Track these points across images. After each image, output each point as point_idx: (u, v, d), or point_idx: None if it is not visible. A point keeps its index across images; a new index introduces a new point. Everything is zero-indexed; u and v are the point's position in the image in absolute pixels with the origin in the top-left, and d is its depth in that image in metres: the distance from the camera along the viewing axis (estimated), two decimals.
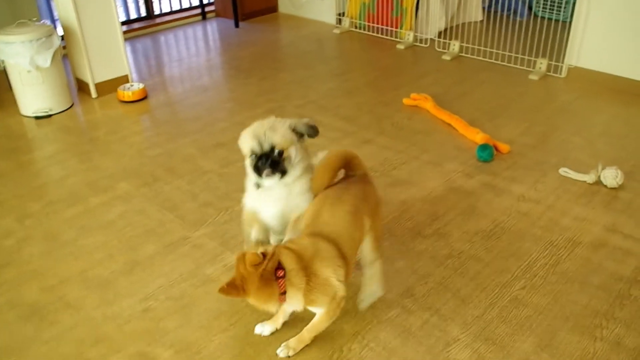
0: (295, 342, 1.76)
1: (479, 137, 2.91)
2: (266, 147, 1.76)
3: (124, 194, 2.61)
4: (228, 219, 2.41)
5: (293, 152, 1.80)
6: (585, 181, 2.59)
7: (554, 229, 2.31)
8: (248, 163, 1.83)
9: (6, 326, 1.91)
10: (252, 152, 1.78)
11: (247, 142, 1.79)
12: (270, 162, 1.76)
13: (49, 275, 2.13)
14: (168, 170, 2.80)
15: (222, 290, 1.57)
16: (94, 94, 3.65)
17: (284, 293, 1.59)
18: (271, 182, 1.81)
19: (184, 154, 2.96)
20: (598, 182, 2.58)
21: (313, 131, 1.85)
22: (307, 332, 1.76)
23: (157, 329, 1.87)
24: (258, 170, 1.78)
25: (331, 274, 1.63)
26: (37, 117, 3.35)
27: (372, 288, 1.93)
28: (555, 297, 1.96)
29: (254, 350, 1.77)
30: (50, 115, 3.37)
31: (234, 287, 1.57)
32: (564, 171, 2.68)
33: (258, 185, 1.85)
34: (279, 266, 1.58)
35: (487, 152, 2.77)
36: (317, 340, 1.77)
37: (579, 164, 2.71)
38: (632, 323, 1.84)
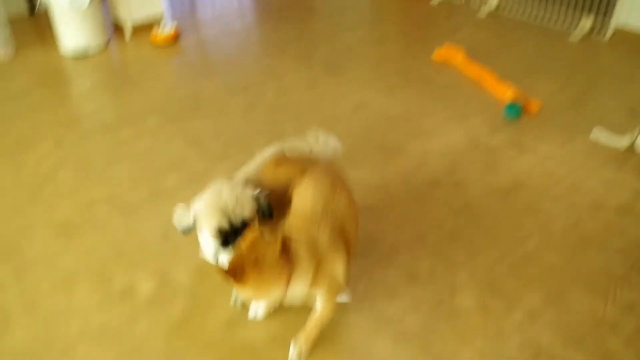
0: (304, 342, 1.61)
1: (509, 92, 2.83)
2: (237, 224, 1.61)
3: (152, 128, 2.69)
4: (248, 157, 2.44)
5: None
6: (617, 146, 2.51)
7: (578, 190, 2.26)
8: (210, 239, 1.64)
9: (40, 239, 2.04)
10: (220, 230, 1.61)
11: (213, 220, 1.60)
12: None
13: (80, 196, 2.25)
14: (195, 109, 2.86)
15: (220, 273, 1.40)
16: (128, 35, 3.72)
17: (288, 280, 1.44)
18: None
19: (211, 94, 3.01)
20: (631, 149, 2.49)
21: (269, 212, 1.68)
22: (315, 329, 1.61)
23: (175, 253, 1.96)
24: (226, 244, 1.63)
25: (340, 267, 1.51)
26: (75, 55, 3.44)
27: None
28: (571, 257, 1.94)
29: None
30: (87, 54, 3.46)
31: (232, 271, 1.38)
32: (596, 133, 2.59)
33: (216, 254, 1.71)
34: (284, 250, 1.44)
35: (515, 110, 2.70)
36: None
37: (614, 127, 2.60)
38: None
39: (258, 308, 1.72)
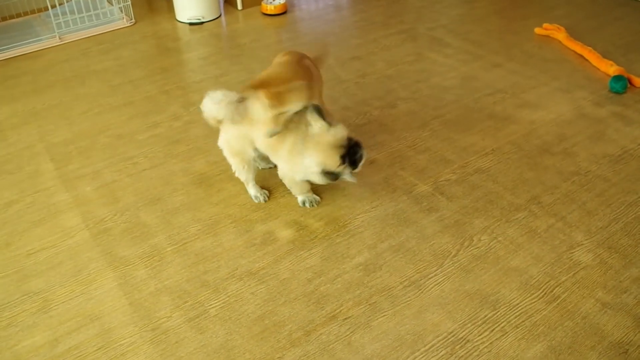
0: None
1: (612, 69, 2.90)
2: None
3: None
4: (366, 121, 2.64)
5: None
6: None
7: None
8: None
9: (183, 187, 2.30)
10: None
11: (335, 156, 1.94)
12: None
13: (212, 153, 2.50)
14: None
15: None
16: (239, 5, 3.97)
17: None
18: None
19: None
20: None
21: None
22: None
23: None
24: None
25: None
26: (190, 24, 3.73)
27: None
28: None
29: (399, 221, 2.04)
30: (202, 23, 3.74)
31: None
32: None
33: None
34: None
35: (621, 84, 2.77)
36: (449, 228, 2.01)
37: None
38: None
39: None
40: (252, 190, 2.23)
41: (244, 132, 2.06)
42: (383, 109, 2.75)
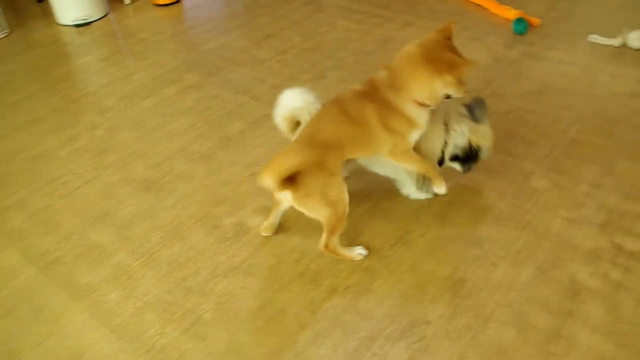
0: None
1: (511, 13, 3.11)
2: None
3: (193, 84, 2.77)
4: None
5: None
6: (612, 45, 2.85)
7: (595, 84, 2.57)
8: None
9: (129, 197, 2.12)
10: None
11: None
12: None
13: (150, 155, 2.32)
14: (227, 61, 2.95)
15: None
16: (127, 0, 3.68)
17: None
18: None
19: (237, 46, 3.10)
20: (624, 45, 2.83)
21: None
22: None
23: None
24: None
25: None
26: (76, 25, 3.40)
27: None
28: (607, 136, 2.25)
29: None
30: (89, 23, 3.42)
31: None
32: (592, 37, 2.92)
33: None
34: None
35: (523, 25, 2.98)
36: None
37: (604, 32, 2.94)
38: None
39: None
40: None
41: None
42: (314, 82, 2.71)
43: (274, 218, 1.91)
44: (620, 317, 1.56)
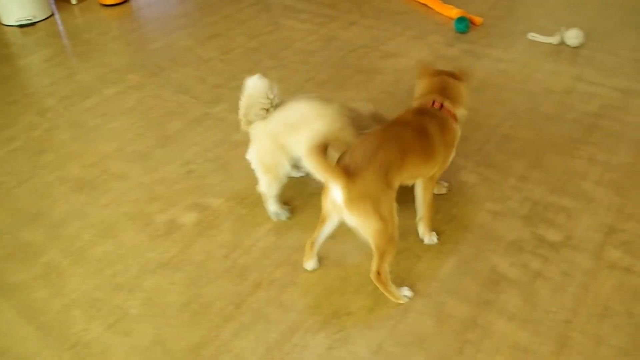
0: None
1: (454, 12, 3.17)
2: None
3: (135, 84, 2.76)
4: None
5: None
6: (550, 43, 2.93)
7: (530, 81, 2.65)
8: None
9: (63, 196, 2.11)
10: None
11: None
12: None
13: (87, 155, 2.31)
14: (171, 61, 2.95)
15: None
16: (74, 0, 3.65)
17: None
18: None
19: (182, 45, 3.11)
20: (562, 43, 2.92)
21: None
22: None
23: (203, 185, 2.12)
24: None
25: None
26: (20, 26, 3.36)
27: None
28: (539, 131, 2.32)
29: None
30: (34, 23, 3.38)
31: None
32: (531, 36, 3.00)
33: None
34: None
35: (464, 24, 3.05)
36: None
37: (543, 30, 3.03)
38: (601, 143, 2.23)
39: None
40: (274, 206, 1.95)
41: (282, 143, 1.81)
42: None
43: (317, 243, 1.73)
44: (537, 306, 1.62)
